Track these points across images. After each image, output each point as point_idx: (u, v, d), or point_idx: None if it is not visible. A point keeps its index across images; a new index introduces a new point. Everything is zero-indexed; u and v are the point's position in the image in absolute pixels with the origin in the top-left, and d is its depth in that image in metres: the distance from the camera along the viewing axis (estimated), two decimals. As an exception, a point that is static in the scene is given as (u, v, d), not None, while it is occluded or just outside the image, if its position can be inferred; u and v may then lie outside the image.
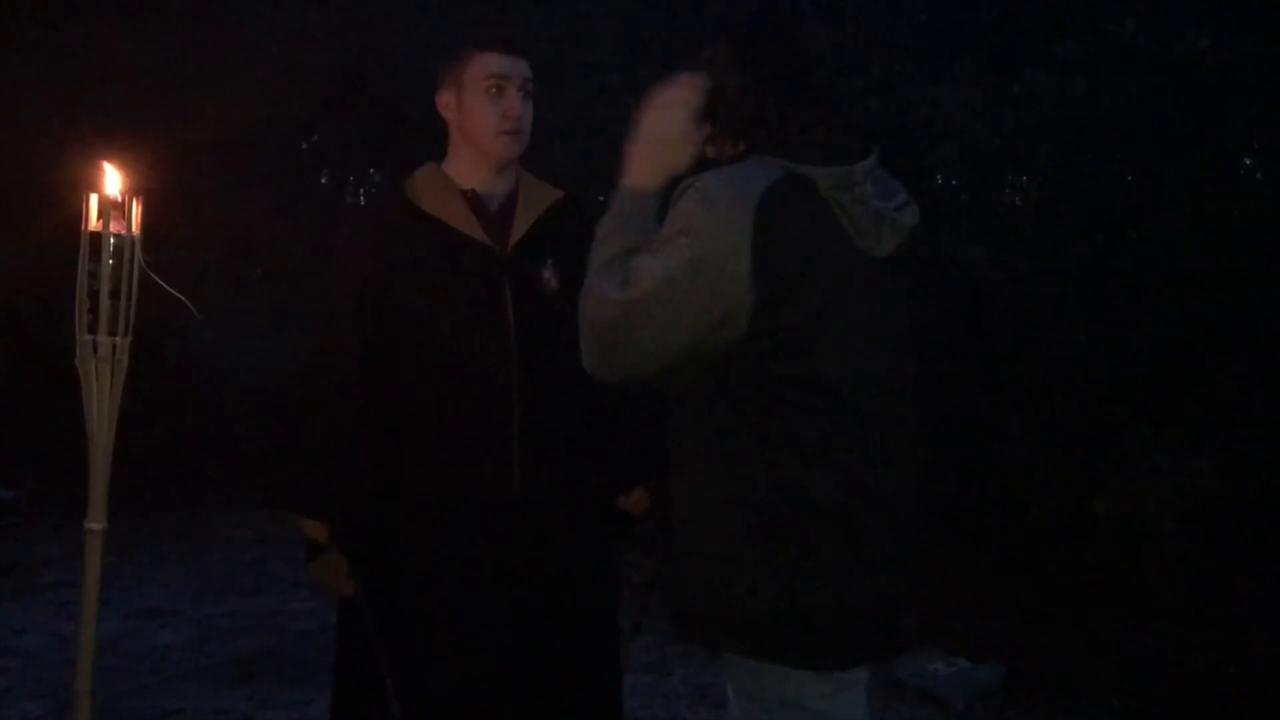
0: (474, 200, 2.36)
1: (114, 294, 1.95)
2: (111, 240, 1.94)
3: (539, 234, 2.37)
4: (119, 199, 1.96)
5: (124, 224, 1.96)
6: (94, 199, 1.94)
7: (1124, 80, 4.07)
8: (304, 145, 7.61)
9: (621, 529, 2.56)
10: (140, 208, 1.98)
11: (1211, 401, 4.09)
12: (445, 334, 2.30)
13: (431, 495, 2.31)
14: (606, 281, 1.65)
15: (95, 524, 2.01)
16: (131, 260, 1.96)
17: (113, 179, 1.96)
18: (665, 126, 1.72)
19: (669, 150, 1.72)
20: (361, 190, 8.11)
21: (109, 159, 1.97)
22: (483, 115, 2.29)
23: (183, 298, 2.07)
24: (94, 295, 1.95)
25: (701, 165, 1.73)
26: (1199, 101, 4.09)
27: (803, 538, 1.62)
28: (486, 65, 2.28)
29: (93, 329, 1.95)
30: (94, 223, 1.94)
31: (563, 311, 2.26)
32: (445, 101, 2.35)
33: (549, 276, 2.33)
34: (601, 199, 2.78)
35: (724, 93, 1.71)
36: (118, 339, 1.97)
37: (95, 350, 1.96)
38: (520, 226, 2.36)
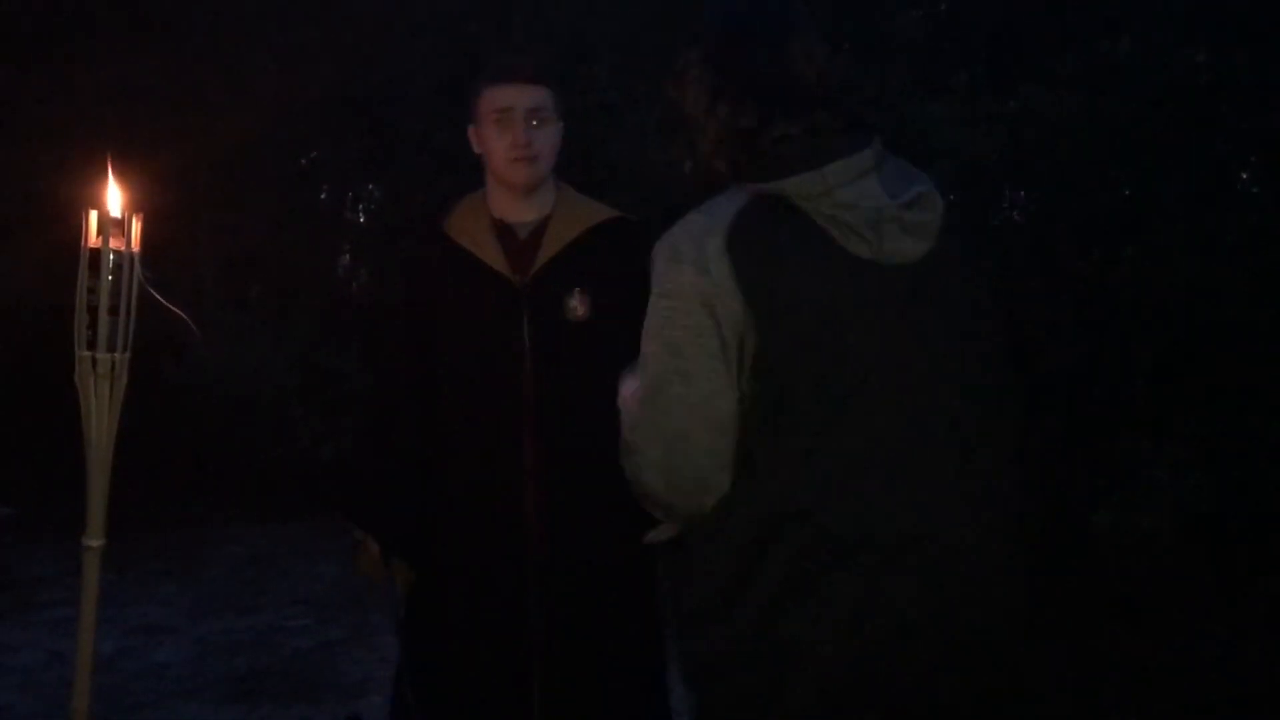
0: (503, 229, 2.38)
1: (113, 310, 1.95)
2: (111, 256, 1.94)
3: (567, 260, 2.35)
4: (118, 215, 1.95)
5: (123, 240, 1.95)
6: (93, 215, 1.94)
7: (1120, 96, 4.09)
8: (302, 161, 7.62)
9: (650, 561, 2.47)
10: (140, 224, 1.98)
11: (1210, 416, 4.09)
12: (467, 363, 2.34)
13: (449, 520, 2.35)
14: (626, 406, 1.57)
15: (93, 541, 2.00)
16: (131, 276, 1.96)
17: (112, 195, 1.96)
18: None
19: None
20: (360, 206, 8.13)
21: (108, 175, 1.98)
22: (494, 146, 2.33)
23: (182, 314, 2.06)
24: (93, 311, 1.94)
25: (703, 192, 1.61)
26: (1195, 116, 4.11)
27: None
28: (493, 98, 2.31)
29: (91, 345, 1.95)
30: (93, 239, 1.93)
31: (589, 339, 2.26)
32: (471, 135, 2.40)
33: (574, 304, 2.32)
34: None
35: (686, 106, 1.62)
36: (116, 355, 1.97)
37: (94, 366, 1.96)
38: (545, 254, 2.35)
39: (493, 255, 2.35)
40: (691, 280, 1.47)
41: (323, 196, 7.94)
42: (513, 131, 2.30)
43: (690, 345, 1.47)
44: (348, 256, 8.17)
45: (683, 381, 1.47)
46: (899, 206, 1.51)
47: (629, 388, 1.59)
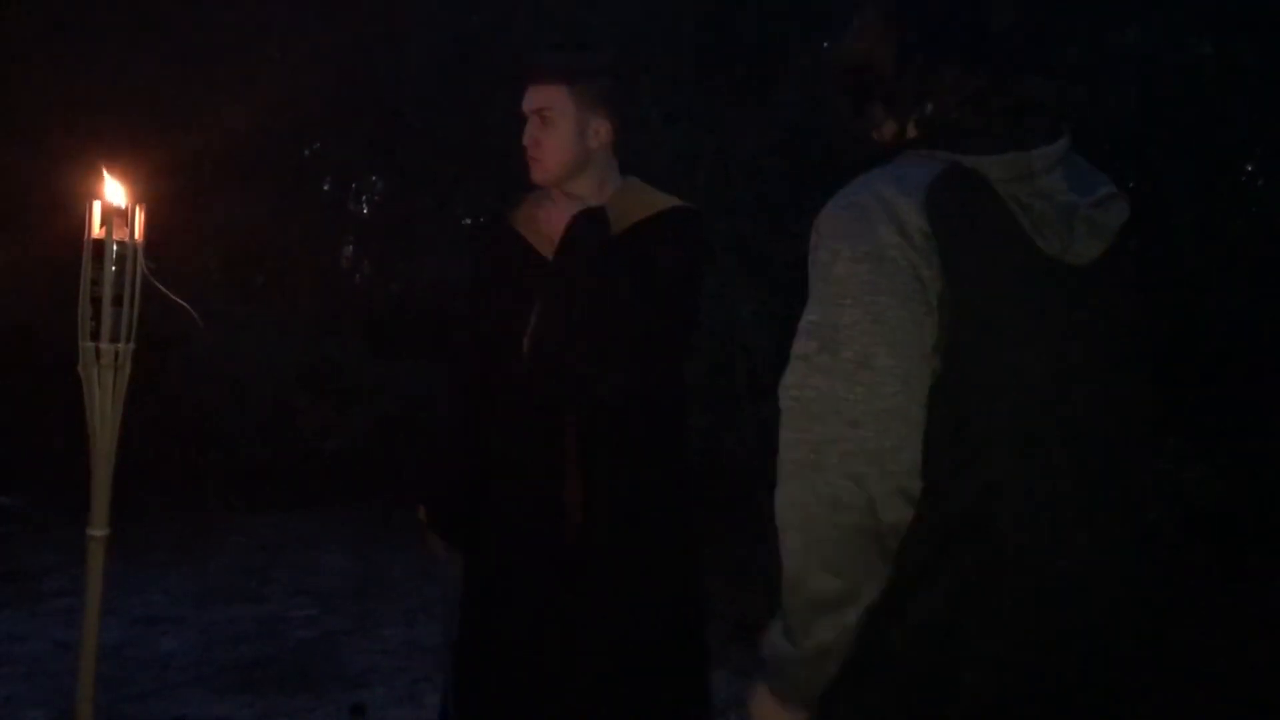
0: (560, 218, 2.37)
1: (117, 301, 1.96)
2: (114, 247, 1.94)
3: (617, 245, 2.32)
4: (122, 206, 1.96)
5: (127, 231, 1.96)
6: (97, 206, 1.94)
7: (1125, 86, 4.08)
8: (306, 152, 7.62)
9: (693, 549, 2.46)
10: (143, 215, 1.98)
11: (1214, 407, 4.08)
12: (512, 344, 2.35)
13: (487, 504, 2.39)
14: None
15: (97, 530, 2.01)
16: (134, 267, 1.96)
17: (116, 186, 1.96)
18: None
19: None
20: (363, 198, 8.13)
21: (112, 166, 1.98)
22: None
23: (185, 305, 2.07)
24: (97, 302, 1.95)
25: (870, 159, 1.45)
26: (1200, 108, 4.09)
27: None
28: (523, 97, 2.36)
29: (95, 336, 1.95)
30: (97, 230, 1.94)
31: (633, 323, 2.25)
32: None
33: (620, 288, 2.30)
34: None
35: (875, 66, 1.46)
36: (120, 345, 1.97)
37: (98, 357, 1.96)
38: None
39: (543, 241, 2.37)
40: (892, 240, 1.31)
41: (326, 188, 7.94)
42: (526, 131, 2.33)
43: (897, 312, 1.30)
44: (351, 248, 8.18)
45: (890, 352, 1.29)
46: (1090, 204, 1.41)
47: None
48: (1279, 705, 3.61)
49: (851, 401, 1.29)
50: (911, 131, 1.47)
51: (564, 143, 2.32)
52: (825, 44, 5.07)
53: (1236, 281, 3.97)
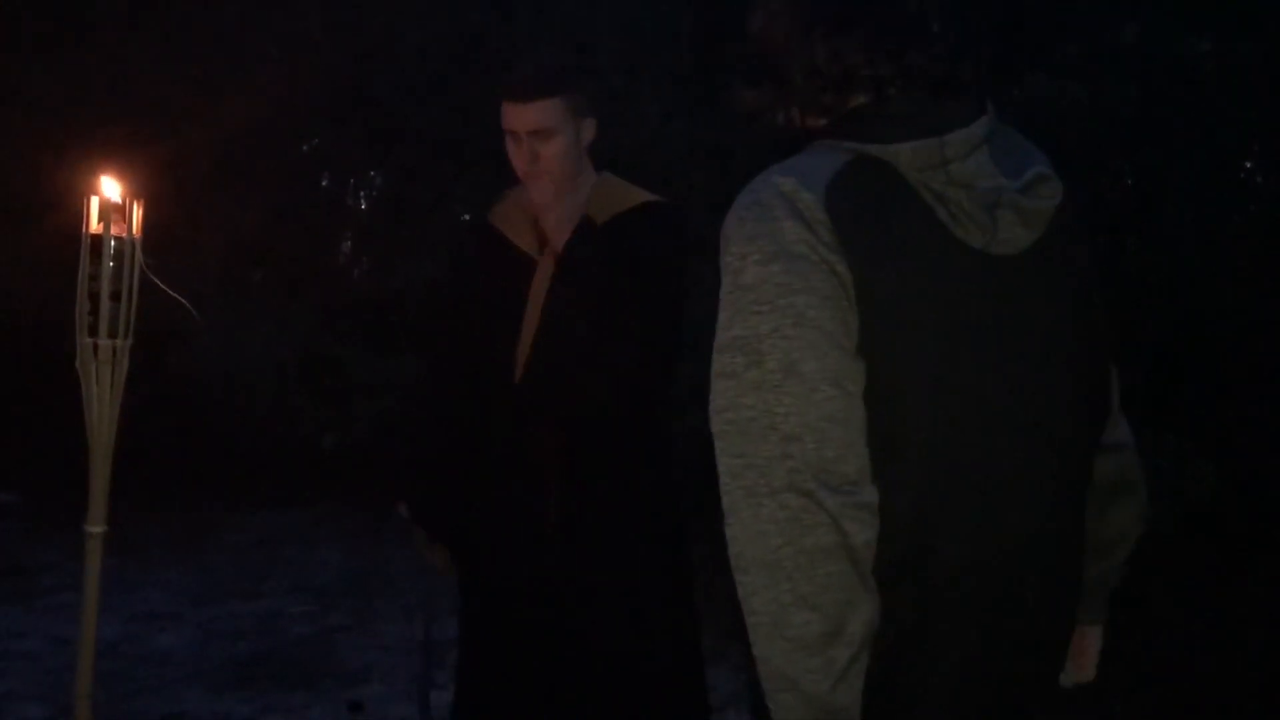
0: (539, 214, 2.37)
1: (114, 297, 1.95)
2: (112, 243, 1.94)
3: (586, 243, 2.33)
4: (120, 202, 1.96)
5: (125, 227, 1.96)
6: (94, 202, 1.94)
7: (1124, 84, 4.08)
8: (304, 148, 7.61)
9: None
10: (141, 211, 1.98)
11: (1212, 405, 4.09)
12: (490, 340, 2.37)
13: (468, 501, 2.40)
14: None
15: (95, 527, 2.01)
16: (132, 263, 1.96)
17: (113, 182, 1.96)
18: None
19: None
20: (362, 193, 8.12)
21: (110, 162, 1.97)
22: (512, 159, 2.34)
23: (183, 300, 2.06)
24: (94, 298, 1.94)
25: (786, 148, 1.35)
26: (1199, 105, 4.09)
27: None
28: (504, 115, 2.30)
29: (93, 331, 1.95)
30: (94, 226, 1.94)
31: (606, 319, 2.25)
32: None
33: (582, 284, 2.30)
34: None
35: (772, 43, 1.34)
36: (118, 341, 1.97)
37: (96, 353, 1.96)
38: (561, 238, 2.34)
39: (525, 239, 2.37)
40: (800, 235, 1.21)
41: (324, 183, 7.93)
42: (519, 151, 2.30)
43: (817, 311, 1.19)
44: (349, 243, 8.17)
45: (816, 355, 1.19)
46: (1017, 191, 1.29)
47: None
48: (1275, 703, 3.61)
49: (784, 414, 1.18)
50: (813, 120, 1.34)
51: (565, 153, 2.30)
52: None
53: (1235, 279, 3.97)
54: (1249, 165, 4.70)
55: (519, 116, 2.27)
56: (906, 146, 1.25)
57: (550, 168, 2.30)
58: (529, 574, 2.30)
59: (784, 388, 1.19)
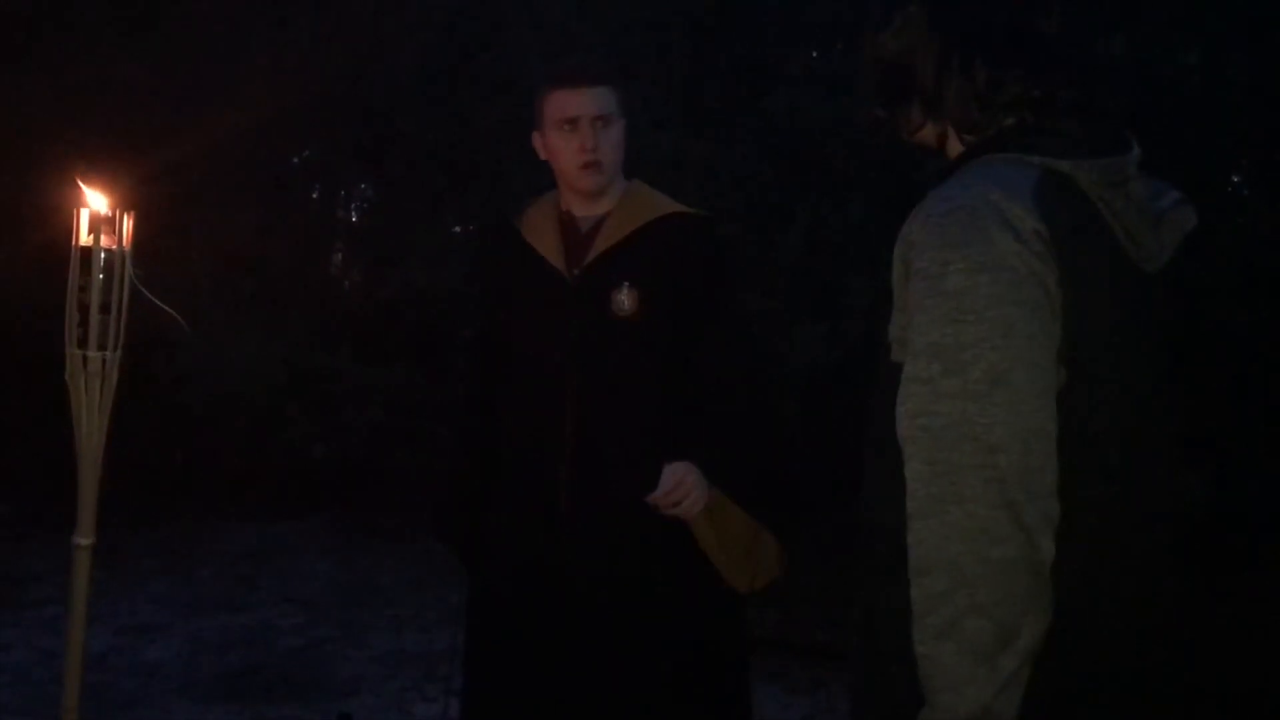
0: (567, 224, 2.37)
1: (104, 309, 1.95)
2: (102, 255, 1.94)
3: (620, 255, 2.32)
4: (109, 214, 1.95)
5: (114, 239, 1.95)
6: (84, 214, 1.93)
7: (1112, 97, 4.10)
8: (295, 159, 7.61)
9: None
10: (130, 222, 1.97)
11: (1202, 416, 4.10)
12: (517, 353, 2.36)
13: (496, 514, 2.39)
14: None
15: (83, 539, 2.00)
16: (122, 275, 1.96)
17: (103, 194, 1.96)
18: None
19: None
20: (353, 205, 8.12)
21: (99, 173, 1.97)
22: (562, 152, 2.31)
23: (173, 312, 2.06)
24: (84, 310, 1.94)
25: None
26: (1187, 118, 4.12)
27: None
28: (561, 104, 2.29)
29: (82, 344, 1.95)
30: (84, 237, 1.93)
31: (636, 334, 2.26)
32: (536, 140, 2.39)
33: (622, 299, 2.28)
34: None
35: (915, 65, 1.37)
36: (107, 354, 1.96)
37: (85, 365, 1.95)
38: (598, 248, 2.33)
39: (552, 249, 2.36)
40: (1012, 248, 1.21)
41: (315, 195, 7.93)
42: (580, 138, 2.28)
43: (1026, 324, 1.21)
44: (340, 255, 8.17)
45: (1025, 368, 1.20)
46: (1168, 207, 1.37)
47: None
48: (1266, 701, 3.61)
49: (988, 424, 1.20)
50: (954, 136, 1.39)
51: (620, 143, 2.32)
52: (813, 53, 5.08)
53: (1224, 291, 3.99)
54: (1237, 179, 4.72)
55: (582, 102, 2.28)
56: (1096, 163, 1.29)
57: (607, 156, 2.30)
58: (541, 560, 2.29)
59: (990, 398, 1.20)
